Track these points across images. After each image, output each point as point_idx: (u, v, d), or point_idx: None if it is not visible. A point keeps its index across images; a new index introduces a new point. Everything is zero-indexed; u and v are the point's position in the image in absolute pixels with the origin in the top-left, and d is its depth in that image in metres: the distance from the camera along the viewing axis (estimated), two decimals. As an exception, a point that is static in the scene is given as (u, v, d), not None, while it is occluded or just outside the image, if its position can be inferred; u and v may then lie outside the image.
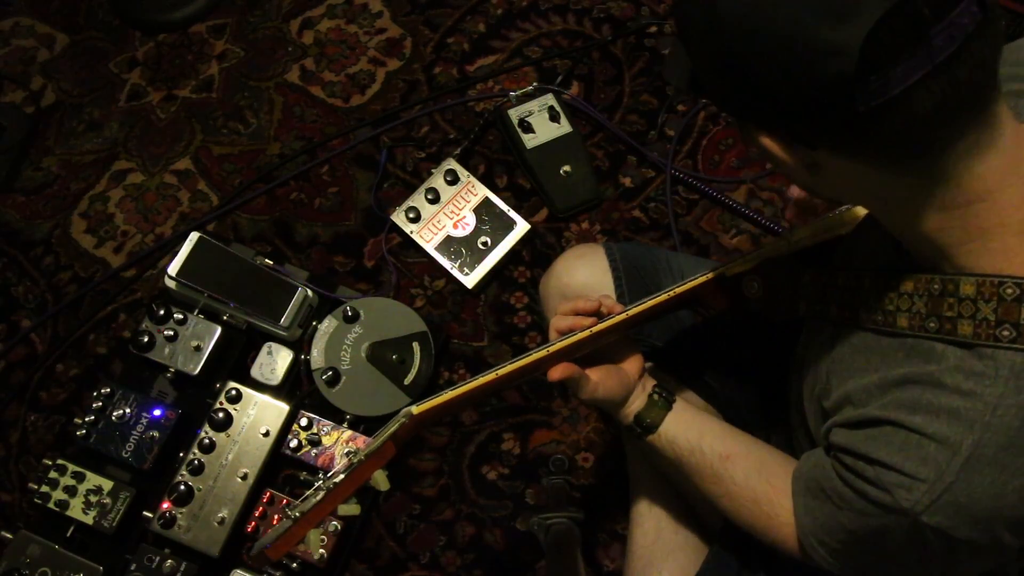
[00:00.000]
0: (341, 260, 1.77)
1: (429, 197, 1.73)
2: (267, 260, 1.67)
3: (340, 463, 0.87)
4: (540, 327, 1.67)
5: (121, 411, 1.54)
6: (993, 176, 0.69)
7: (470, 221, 1.72)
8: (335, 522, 1.48)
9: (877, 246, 0.86)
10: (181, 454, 1.53)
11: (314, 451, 1.53)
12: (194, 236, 1.60)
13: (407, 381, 1.57)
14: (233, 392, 1.55)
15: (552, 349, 0.97)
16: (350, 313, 1.60)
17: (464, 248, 1.70)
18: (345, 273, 1.75)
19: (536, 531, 1.45)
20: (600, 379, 1.01)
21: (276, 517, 1.51)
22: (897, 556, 0.81)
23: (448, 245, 1.71)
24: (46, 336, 1.77)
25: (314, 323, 1.61)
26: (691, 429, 1.04)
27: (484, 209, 1.72)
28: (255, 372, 1.60)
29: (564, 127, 1.77)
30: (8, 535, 1.50)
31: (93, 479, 1.51)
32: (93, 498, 1.50)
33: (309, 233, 1.79)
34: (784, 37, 0.64)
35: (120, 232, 1.85)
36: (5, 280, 1.83)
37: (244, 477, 1.50)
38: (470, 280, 1.69)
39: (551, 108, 1.78)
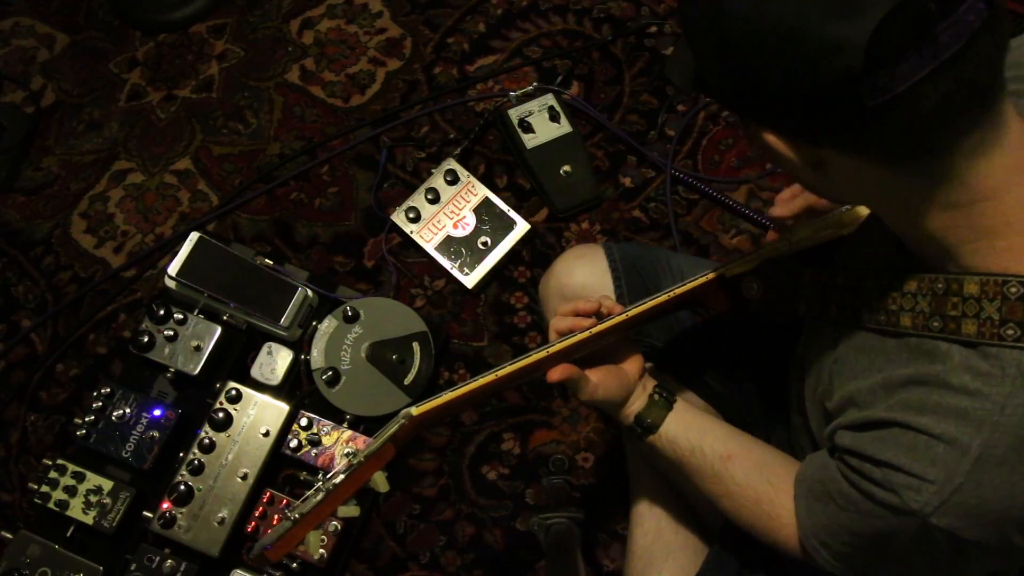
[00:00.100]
0: (341, 260, 1.77)
1: (429, 197, 1.73)
2: (267, 260, 1.67)
3: (340, 464, 0.87)
4: (540, 327, 1.67)
5: (121, 411, 1.54)
6: (999, 174, 0.68)
7: (470, 221, 1.72)
8: (335, 522, 1.48)
9: (879, 246, 0.86)
10: (181, 454, 1.53)
11: (314, 451, 1.53)
12: (194, 236, 1.60)
13: (407, 381, 1.57)
14: (233, 392, 1.55)
15: (552, 350, 0.97)
16: (350, 313, 1.60)
17: (464, 248, 1.70)
18: (345, 273, 1.75)
19: (536, 531, 1.45)
20: (600, 380, 1.01)
21: (276, 517, 1.51)
22: (903, 558, 0.81)
23: (448, 245, 1.71)
24: (46, 336, 1.77)
25: (314, 323, 1.61)
26: (692, 429, 1.04)
27: (484, 209, 1.72)
28: (255, 372, 1.60)
29: (564, 127, 1.77)
30: (8, 535, 1.50)
31: (93, 479, 1.51)
32: (93, 498, 1.50)
33: (309, 233, 1.79)
34: (790, 33, 0.64)
35: (120, 232, 1.85)
36: (5, 280, 1.83)
37: (244, 477, 1.50)
38: (470, 280, 1.69)
39: (551, 108, 1.78)
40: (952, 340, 0.73)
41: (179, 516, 1.48)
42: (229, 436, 1.53)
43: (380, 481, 0.88)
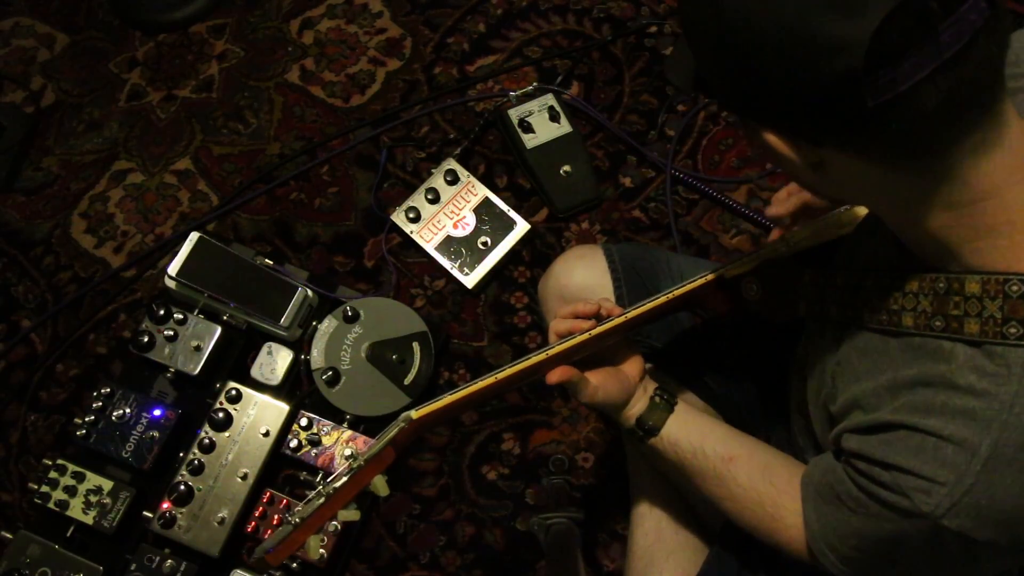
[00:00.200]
0: (341, 260, 1.77)
1: (429, 197, 1.73)
2: (267, 260, 1.67)
3: (340, 466, 0.87)
4: (540, 327, 1.67)
5: (121, 411, 1.54)
6: (1000, 173, 0.68)
7: (470, 221, 1.72)
8: (335, 522, 1.48)
9: (879, 246, 0.86)
10: (181, 454, 1.53)
11: (314, 451, 1.53)
12: (194, 236, 1.60)
13: (407, 381, 1.57)
14: (233, 392, 1.55)
15: (551, 352, 0.97)
16: (350, 313, 1.60)
17: (464, 248, 1.70)
18: (345, 273, 1.75)
19: (536, 531, 1.46)
20: (600, 382, 1.01)
21: (276, 517, 1.51)
22: (913, 561, 0.81)
23: (448, 245, 1.71)
24: (46, 336, 1.77)
25: (314, 323, 1.61)
26: (693, 431, 1.04)
27: (484, 209, 1.72)
28: (255, 372, 1.60)
29: (564, 127, 1.77)
30: (8, 535, 1.50)
31: (93, 479, 1.51)
32: (93, 498, 1.50)
33: (309, 233, 1.79)
34: (791, 33, 0.64)
35: (120, 232, 1.85)
36: (5, 280, 1.83)
37: (244, 477, 1.51)
38: (470, 280, 1.69)
39: (551, 108, 1.78)
40: (956, 339, 0.73)
41: (179, 516, 1.48)
42: (229, 436, 1.53)
43: (380, 485, 0.88)
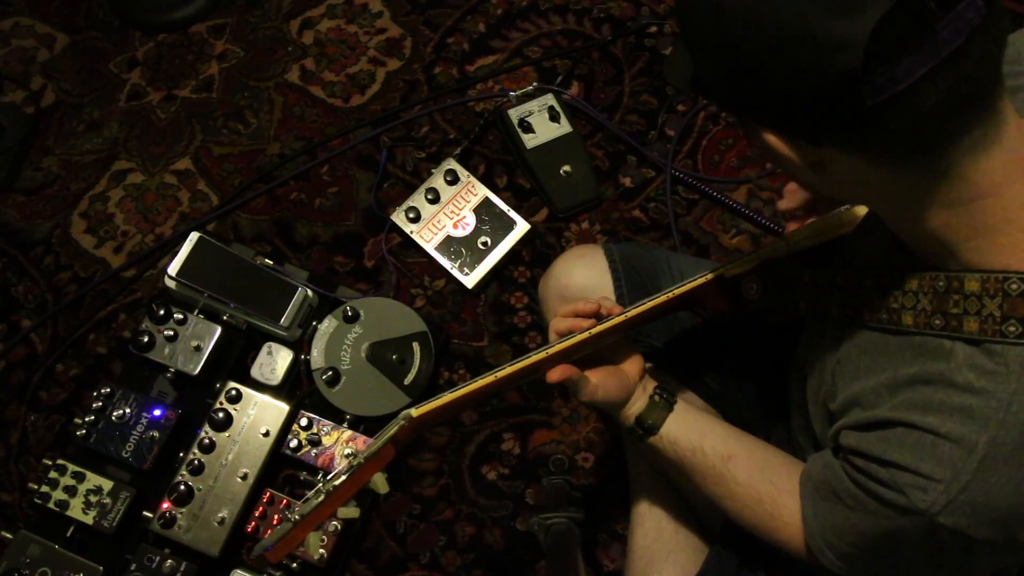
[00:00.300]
0: (341, 260, 1.77)
1: (429, 197, 1.73)
2: (267, 260, 1.67)
3: (340, 465, 0.87)
4: (540, 327, 1.67)
5: (121, 411, 1.54)
6: (999, 172, 0.69)
7: (470, 221, 1.72)
8: (335, 522, 1.48)
9: (879, 245, 0.86)
10: (181, 454, 1.53)
11: (314, 451, 1.53)
12: (194, 236, 1.60)
13: (407, 381, 1.57)
14: (233, 392, 1.55)
15: (551, 351, 0.97)
16: (350, 313, 1.60)
17: (464, 248, 1.70)
18: (345, 273, 1.75)
19: (536, 531, 1.45)
20: (600, 381, 1.01)
21: (276, 517, 1.51)
22: (909, 558, 0.81)
23: (448, 245, 1.71)
24: (46, 336, 1.77)
25: (314, 323, 1.61)
26: (693, 430, 1.04)
27: (484, 209, 1.72)
28: (255, 372, 1.60)
29: (564, 127, 1.77)
30: (8, 535, 1.50)
31: (93, 479, 1.51)
32: (93, 498, 1.50)
33: (309, 233, 1.79)
34: (790, 32, 0.64)
35: (120, 232, 1.85)
36: (5, 280, 1.83)
37: (244, 477, 1.51)
38: (470, 280, 1.69)
39: (551, 108, 1.78)
40: (955, 338, 0.73)
41: (179, 516, 1.48)
42: (229, 436, 1.53)
43: (380, 482, 0.88)
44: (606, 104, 1.84)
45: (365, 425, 1.56)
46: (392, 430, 0.88)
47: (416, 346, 1.59)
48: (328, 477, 0.86)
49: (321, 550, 1.46)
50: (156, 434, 1.53)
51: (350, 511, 0.89)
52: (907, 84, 0.63)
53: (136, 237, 1.84)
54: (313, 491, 0.85)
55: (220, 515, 1.48)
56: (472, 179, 1.74)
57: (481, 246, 1.70)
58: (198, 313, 1.60)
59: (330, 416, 1.56)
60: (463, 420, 1.62)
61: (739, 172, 1.76)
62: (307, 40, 1.98)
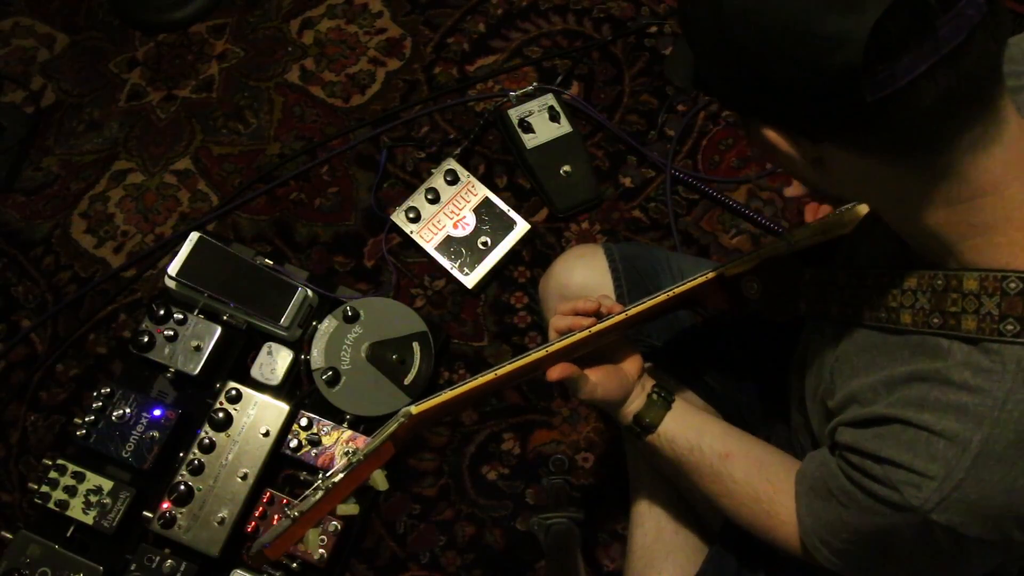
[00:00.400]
0: (341, 260, 1.77)
1: (429, 197, 1.73)
2: (267, 260, 1.67)
3: (339, 463, 0.87)
4: (540, 327, 1.67)
5: (121, 411, 1.54)
6: (998, 170, 0.69)
7: (470, 221, 1.72)
8: (335, 522, 1.48)
9: (879, 244, 0.86)
10: (181, 454, 1.53)
11: (314, 451, 1.53)
12: (194, 236, 1.60)
13: (407, 381, 1.57)
14: (233, 392, 1.55)
15: (551, 349, 0.97)
16: (350, 313, 1.60)
17: (464, 248, 1.70)
18: (345, 273, 1.75)
19: (536, 531, 1.45)
20: (599, 379, 1.01)
21: (276, 517, 1.51)
22: (903, 555, 0.81)
23: (448, 245, 1.71)
24: (46, 336, 1.77)
25: (314, 323, 1.61)
26: (690, 428, 1.04)
27: (484, 209, 1.72)
28: (255, 372, 1.60)
29: (564, 127, 1.77)
30: (8, 535, 1.50)
31: (93, 479, 1.51)
32: (93, 498, 1.50)
33: (309, 233, 1.79)
34: (790, 28, 0.64)
35: (120, 232, 1.85)
36: (5, 280, 1.83)
37: (244, 477, 1.50)
38: (470, 280, 1.69)
39: (551, 108, 1.78)
40: (953, 336, 0.73)
41: (179, 516, 1.48)
42: (229, 436, 1.53)
43: (379, 480, 0.88)
44: (606, 104, 1.84)
45: (365, 425, 1.56)
46: (392, 427, 0.88)
47: (416, 346, 1.59)
48: (328, 473, 0.86)
49: (321, 550, 1.46)
50: (156, 434, 1.53)
51: (349, 508, 0.89)
52: (907, 81, 0.63)
53: (136, 237, 1.84)
54: (312, 488, 0.85)
55: (220, 515, 1.48)
56: (472, 179, 1.74)
57: (481, 246, 1.70)
58: (198, 313, 1.60)
59: (330, 416, 1.56)
60: (463, 420, 1.62)
61: (739, 172, 1.76)
62: (307, 40, 1.99)
